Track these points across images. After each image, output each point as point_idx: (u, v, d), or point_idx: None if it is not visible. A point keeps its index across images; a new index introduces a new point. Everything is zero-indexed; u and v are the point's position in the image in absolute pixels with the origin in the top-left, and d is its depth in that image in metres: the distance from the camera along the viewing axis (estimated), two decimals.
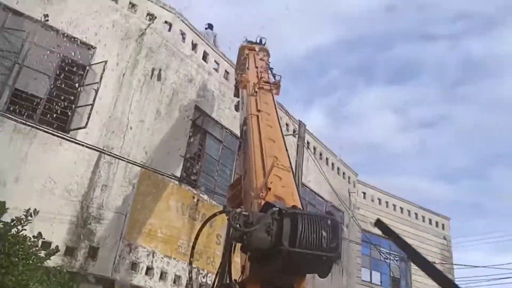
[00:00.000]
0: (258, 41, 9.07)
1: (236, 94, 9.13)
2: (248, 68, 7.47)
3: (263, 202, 3.19)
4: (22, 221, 5.77)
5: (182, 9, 12.10)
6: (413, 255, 1.54)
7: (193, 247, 3.86)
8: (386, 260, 18.03)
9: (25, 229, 5.87)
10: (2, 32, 9.22)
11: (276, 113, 5.57)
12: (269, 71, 7.62)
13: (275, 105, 5.76)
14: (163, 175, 10.32)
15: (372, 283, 18.48)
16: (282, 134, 5.02)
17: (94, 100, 9.58)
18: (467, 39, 58.81)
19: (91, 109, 9.47)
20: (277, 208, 2.79)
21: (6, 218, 5.81)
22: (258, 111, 5.20)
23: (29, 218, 5.88)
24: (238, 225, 2.72)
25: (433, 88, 59.30)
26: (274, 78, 7.31)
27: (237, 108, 8.80)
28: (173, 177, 10.74)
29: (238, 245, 2.97)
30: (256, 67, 7.28)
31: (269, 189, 3.42)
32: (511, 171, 59.28)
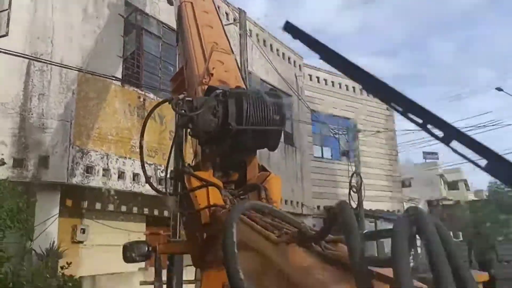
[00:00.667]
0: None
1: None
2: None
3: (206, 87, 3.19)
4: None
5: None
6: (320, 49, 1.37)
7: (141, 140, 3.82)
8: (335, 135, 19.15)
9: None
10: None
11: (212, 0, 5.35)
12: None
13: None
14: (104, 77, 10.01)
15: (323, 157, 19.81)
16: (220, 19, 4.89)
17: (10, 4, 8.78)
18: None
19: (9, 14, 8.72)
20: (221, 90, 2.82)
21: None
22: None
23: None
24: (183, 111, 2.74)
25: None
26: None
27: (170, 1, 8.33)
28: (115, 79, 10.45)
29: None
30: None
31: (212, 74, 3.40)
32: (445, 39, 61.45)
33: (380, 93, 1.02)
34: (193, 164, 3.17)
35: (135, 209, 11.03)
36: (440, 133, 0.99)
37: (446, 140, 0.98)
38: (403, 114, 1.02)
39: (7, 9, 8.76)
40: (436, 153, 41.45)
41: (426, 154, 41.46)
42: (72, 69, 9.40)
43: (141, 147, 3.69)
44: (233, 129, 2.66)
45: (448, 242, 0.86)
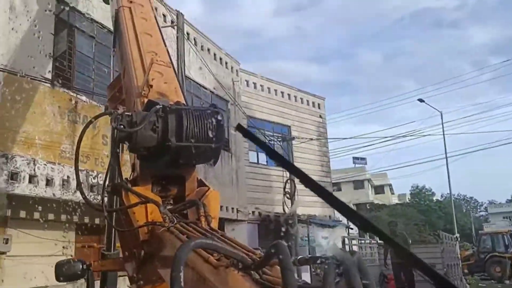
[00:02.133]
0: None
1: None
2: None
3: (145, 100, 3.17)
4: None
5: None
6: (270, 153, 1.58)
7: (77, 151, 3.72)
8: (270, 141, 19.54)
9: None
10: None
11: (150, 3, 5.26)
12: None
13: None
14: (31, 78, 9.42)
15: (259, 163, 20.13)
16: (159, 26, 4.82)
17: None
18: None
19: None
20: (161, 106, 2.80)
21: None
22: (130, 2, 4.86)
23: None
24: (122, 126, 2.72)
25: None
26: None
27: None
28: (43, 80, 9.88)
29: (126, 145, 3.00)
30: None
31: (151, 86, 3.37)
32: (373, 50, 65.19)
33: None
34: (130, 178, 3.15)
35: (63, 217, 10.50)
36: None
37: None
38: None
39: None
40: (364, 159, 43.82)
41: (355, 160, 43.66)
42: None
43: (76, 158, 3.57)
44: (172, 145, 2.67)
45: (367, 276, 1.17)
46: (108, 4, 7.44)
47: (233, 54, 18.95)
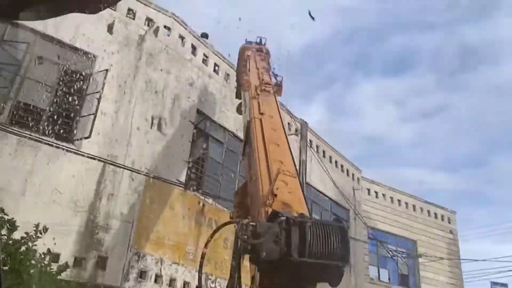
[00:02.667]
0: (258, 41, 9.01)
1: (238, 96, 9.06)
2: (249, 70, 7.41)
3: (270, 209, 3.19)
4: (32, 238, 5.76)
5: (180, 13, 12.05)
6: None
7: (202, 257, 3.87)
8: (393, 257, 18.02)
9: (35, 245, 5.84)
10: (2, 45, 9.17)
11: (280, 115, 5.53)
12: (271, 72, 7.55)
13: (278, 106, 5.72)
14: (168, 182, 10.30)
15: (380, 280, 18.45)
16: (286, 137, 4.99)
17: (96, 109, 9.55)
18: (462, 27, 58.61)
19: (94, 118, 9.44)
20: (285, 217, 2.79)
21: (16, 234, 5.79)
22: (261, 114, 5.16)
23: (39, 235, 5.86)
24: (246, 237, 2.73)
25: (430, 77, 59.36)
26: (276, 79, 7.25)
27: (239, 110, 8.74)
28: (178, 184, 10.71)
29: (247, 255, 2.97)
30: (257, 69, 7.22)
31: (276, 195, 3.41)
32: (510, 157, 59.27)
33: None
34: None
35: None
36: None
37: None
38: None
39: (93, 113, 9.50)
40: (506, 285, 37.66)
41: (494, 285, 37.68)
42: (140, 173, 9.80)
43: (200, 265, 3.82)
44: (294, 261, 2.60)
45: None
46: (241, 114, 8.05)
47: (355, 160, 18.80)
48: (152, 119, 10.68)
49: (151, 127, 10.61)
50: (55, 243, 7.30)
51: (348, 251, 2.77)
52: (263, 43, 8.98)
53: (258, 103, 5.43)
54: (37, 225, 5.91)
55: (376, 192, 19.94)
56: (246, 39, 9.27)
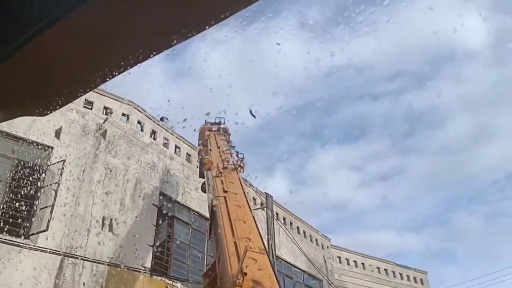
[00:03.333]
0: (217, 122, 9.30)
1: (201, 175, 9.13)
2: (210, 150, 7.58)
3: None
4: None
5: (137, 100, 12.40)
6: None
7: None
8: None
9: None
10: None
11: (244, 191, 5.62)
12: (231, 150, 7.74)
13: (241, 183, 5.82)
14: (133, 270, 9.93)
15: None
16: (252, 212, 5.06)
17: (54, 201, 9.34)
18: (407, 94, 62.66)
19: (52, 210, 9.20)
20: None
21: None
22: (225, 192, 5.25)
23: None
24: None
25: (383, 142, 61.95)
26: (237, 157, 7.43)
27: (203, 188, 8.78)
28: (144, 270, 10.33)
29: None
30: (218, 147, 7.41)
31: (245, 274, 3.37)
32: (471, 213, 61.05)
33: None
34: None
35: None
36: None
37: None
38: None
39: (49, 206, 9.27)
40: None
41: None
42: (101, 263, 9.44)
43: None
44: None
45: None
46: (205, 193, 8.09)
47: (320, 228, 18.85)
48: (113, 206, 10.51)
49: (112, 215, 10.41)
50: None
51: None
52: (222, 122, 9.26)
53: (221, 181, 5.54)
54: None
55: (347, 259, 19.82)
56: (205, 120, 9.59)
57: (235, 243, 4.03)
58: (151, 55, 1.10)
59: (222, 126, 9.16)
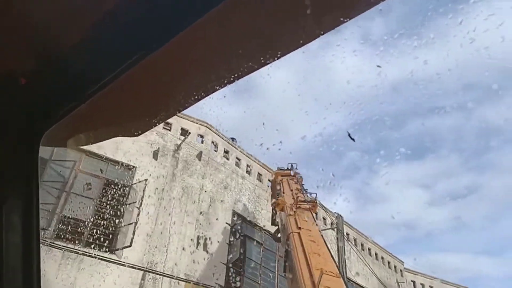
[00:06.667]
0: (289, 168, 9.39)
1: (273, 223, 9.11)
2: (283, 192, 7.61)
3: None
4: None
5: (211, 122, 12.86)
6: None
7: None
8: None
9: None
10: (50, 164, 9.91)
11: (318, 229, 5.55)
12: (304, 192, 7.71)
13: (315, 221, 5.76)
14: (208, 286, 10.18)
15: None
16: (328, 248, 5.00)
17: (137, 218, 9.87)
18: (480, 107, 59.09)
19: (135, 227, 9.72)
20: None
21: None
22: (299, 228, 5.22)
23: None
24: None
25: (454, 159, 58.51)
26: (310, 197, 7.38)
27: (275, 238, 8.69)
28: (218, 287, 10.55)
29: None
30: (291, 190, 7.43)
31: None
32: None
33: None
34: None
35: None
36: None
37: None
38: None
39: (134, 223, 9.81)
40: None
41: None
42: (180, 279, 9.78)
43: None
44: None
45: None
46: (276, 226, 8.10)
47: (388, 248, 18.06)
48: (190, 224, 10.90)
49: (188, 232, 10.79)
50: None
51: None
52: (294, 168, 9.32)
53: (295, 219, 5.53)
54: None
55: (422, 285, 18.83)
56: (278, 167, 9.77)
57: (310, 273, 4.02)
58: (236, 79, 1.16)
59: (294, 170, 9.18)
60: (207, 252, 10.98)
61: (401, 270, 18.09)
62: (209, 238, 11.19)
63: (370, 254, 16.95)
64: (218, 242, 11.25)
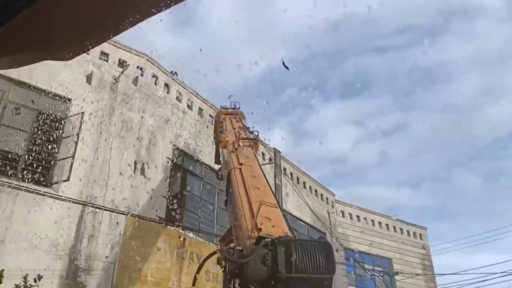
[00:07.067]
0: (232, 106, 9.37)
1: (217, 161, 9.19)
2: (226, 130, 7.68)
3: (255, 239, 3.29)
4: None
5: (150, 52, 12.39)
6: None
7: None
8: (371, 276, 18.41)
9: None
10: None
11: (259, 165, 5.73)
12: (246, 130, 7.82)
13: (256, 158, 5.93)
14: (148, 220, 10.40)
15: None
16: (268, 182, 5.22)
17: (74, 152, 9.64)
18: (413, 49, 61.50)
19: (72, 161, 9.52)
20: (270, 239, 2.93)
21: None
22: (240, 164, 5.38)
23: (33, 283, 5.94)
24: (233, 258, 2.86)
25: (387, 98, 61.58)
26: (251, 135, 7.50)
27: (218, 175, 8.80)
28: (159, 221, 10.82)
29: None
30: (233, 128, 7.51)
31: (260, 229, 3.49)
32: (471, 172, 61.74)
33: None
34: None
35: None
36: None
37: None
38: None
39: (71, 157, 9.59)
40: None
41: None
42: (120, 212, 9.89)
43: None
44: (282, 277, 2.66)
45: None
46: (219, 164, 8.27)
47: (321, 180, 19.22)
48: (130, 158, 10.84)
49: (128, 166, 10.75)
50: None
51: (333, 265, 2.84)
52: (237, 107, 9.31)
53: (237, 155, 5.64)
54: (25, 276, 5.98)
55: (350, 214, 20.45)
56: (220, 106, 9.71)
57: (250, 205, 4.11)
58: (172, 4, 1.12)
59: (237, 110, 9.19)
60: (144, 177, 11.02)
61: (332, 202, 19.42)
62: (147, 163, 11.18)
63: (304, 187, 17.93)
64: (155, 175, 11.34)
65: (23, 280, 5.94)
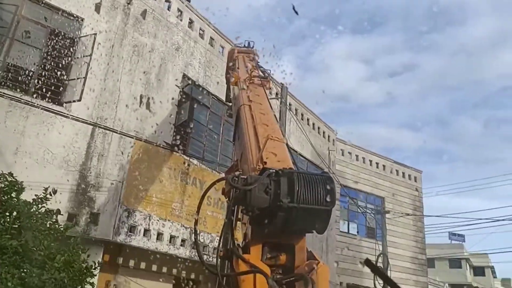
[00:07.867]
0: (246, 45, 9.23)
1: (228, 99, 9.22)
2: (238, 68, 7.66)
3: (260, 170, 3.37)
4: (42, 200, 6.29)
5: None
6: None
7: (196, 224, 4.16)
8: (363, 213, 19.32)
9: (44, 207, 6.37)
10: None
11: (269, 103, 5.81)
12: (259, 70, 7.80)
13: (267, 97, 6.00)
14: (155, 145, 10.81)
15: (349, 233, 19.88)
16: (276, 119, 5.34)
17: (86, 73, 9.80)
18: None
19: (84, 82, 9.71)
20: (274, 170, 3.01)
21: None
22: (250, 101, 5.47)
23: (48, 196, 6.39)
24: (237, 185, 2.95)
25: (399, 37, 59.80)
26: (264, 76, 7.52)
27: (230, 114, 8.76)
28: (165, 147, 11.23)
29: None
30: (246, 66, 7.46)
31: (265, 163, 3.54)
32: (474, 118, 61.62)
33: None
34: (242, 245, 3.30)
35: (164, 269, 11.36)
36: None
37: None
38: None
39: (83, 77, 9.76)
40: (462, 235, 40.19)
41: (452, 235, 40.07)
42: (128, 136, 10.27)
43: (195, 223, 4.02)
44: (284, 206, 2.78)
45: None
46: (230, 103, 8.42)
47: (323, 117, 19.52)
48: (140, 83, 11.01)
49: (138, 91, 10.96)
50: (49, 201, 7.80)
51: (334, 198, 2.91)
52: (251, 46, 9.15)
53: (247, 93, 5.66)
54: (46, 188, 6.43)
55: (349, 153, 20.96)
56: (234, 44, 9.54)
57: (256, 140, 4.12)
58: None
59: (251, 49, 9.02)
60: (149, 111, 11.27)
61: (333, 140, 19.82)
62: (152, 98, 11.38)
63: (308, 124, 18.22)
64: (164, 102, 11.56)
65: (43, 191, 6.39)
